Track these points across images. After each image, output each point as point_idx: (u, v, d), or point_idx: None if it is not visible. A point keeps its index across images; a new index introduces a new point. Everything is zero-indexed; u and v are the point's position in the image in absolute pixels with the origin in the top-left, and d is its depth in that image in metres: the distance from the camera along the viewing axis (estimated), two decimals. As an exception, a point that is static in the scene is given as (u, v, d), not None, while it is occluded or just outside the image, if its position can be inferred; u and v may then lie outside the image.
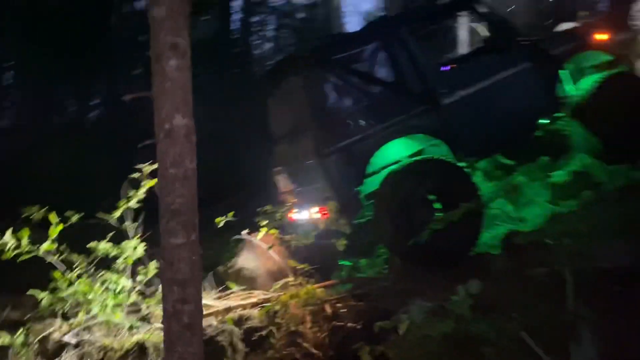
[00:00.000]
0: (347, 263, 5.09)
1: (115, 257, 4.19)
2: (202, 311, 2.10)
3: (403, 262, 4.58)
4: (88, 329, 3.97)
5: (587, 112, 5.09)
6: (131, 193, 4.00)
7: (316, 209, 4.87)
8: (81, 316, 3.99)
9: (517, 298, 3.04)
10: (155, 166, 3.91)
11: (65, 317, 4.10)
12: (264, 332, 3.65)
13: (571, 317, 2.65)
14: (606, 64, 5.54)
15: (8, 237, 3.47)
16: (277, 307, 3.90)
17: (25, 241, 3.56)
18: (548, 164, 5.57)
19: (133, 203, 4.00)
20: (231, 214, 4.56)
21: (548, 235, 3.94)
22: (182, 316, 1.84)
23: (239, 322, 3.89)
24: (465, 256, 4.32)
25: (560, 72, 5.35)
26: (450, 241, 4.20)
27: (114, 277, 4.08)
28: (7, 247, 3.50)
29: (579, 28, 6.17)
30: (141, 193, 4.01)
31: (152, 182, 3.96)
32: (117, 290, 4.07)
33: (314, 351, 3.43)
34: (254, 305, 4.08)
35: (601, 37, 5.68)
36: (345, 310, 3.69)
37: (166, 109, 1.77)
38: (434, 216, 4.41)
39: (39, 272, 4.83)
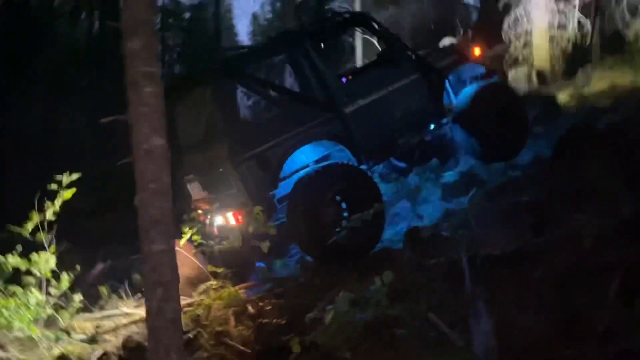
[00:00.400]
0: (262, 265, 5.30)
1: (28, 271, 4.10)
2: (181, 308, 2.28)
3: (315, 260, 4.90)
4: (2, 346, 3.85)
5: (467, 118, 5.70)
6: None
7: (230, 214, 5.04)
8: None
9: (422, 285, 3.46)
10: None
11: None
12: (191, 335, 3.77)
13: (469, 298, 3.10)
14: (482, 75, 6.33)
15: None
16: (200, 311, 4.05)
17: None
18: (438, 166, 6.22)
19: (49, 214, 3.93)
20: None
21: (444, 229, 4.49)
22: (166, 313, 2.00)
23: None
24: (370, 252, 4.70)
25: (445, 82, 5.95)
26: (357, 239, 4.56)
27: (27, 291, 3.99)
28: None
29: (458, 44, 6.92)
30: (57, 204, 3.94)
31: (69, 193, 3.93)
32: (32, 304, 3.98)
33: (242, 348, 3.64)
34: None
35: (477, 51, 6.45)
36: (269, 308, 3.94)
37: (144, 131, 1.92)
38: (342, 216, 4.78)
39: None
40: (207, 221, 5.32)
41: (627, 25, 11.68)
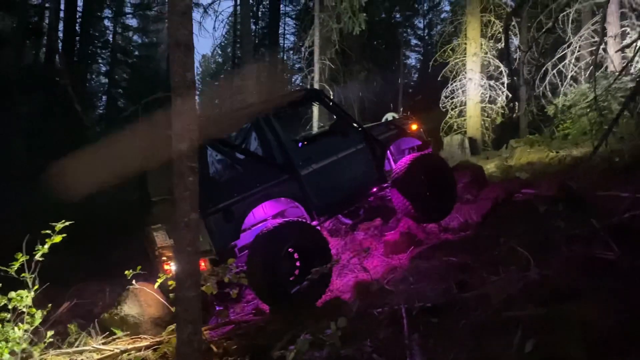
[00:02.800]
0: (221, 308, 5.78)
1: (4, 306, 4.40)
2: (202, 339, 2.77)
3: (270, 306, 5.45)
4: (-19, 379, 4.12)
5: (402, 184, 6.46)
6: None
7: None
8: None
9: (369, 330, 4.10)
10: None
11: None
12: (161, 370, 4.21)
13: (406, 341, 3.78)
14: (418, 147, 7.28)
15: None
16: (170, 349, 4.49)
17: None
18: (382, 225, 7.00)
19: (38, 256, 4.31)
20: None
21: (387, 282, 5.19)
22: (193, 344, 2.53)
23: (136, 363, 4.40)
24: (318, 300, 5.31)
25: (387, 152, 6.81)
26: (308, 289, 5.13)
27: (6, 326, 4.29)
28: None
29: (399, 119, 7.89)
30: (45, 249, 4.34)
31: (57, 238, 4.36)
32: (10, 338, 4.29)
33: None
34: (147, 347, 4.59)
35: (414, 126, 7.40)
36: (234, 347, 4.44)
37: (185, 208, 2.51)
38: (295, 267, 5.43)
39: None
40: (169, 267, 5.77)
41: (550, 102, 13.16)
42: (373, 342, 3.91)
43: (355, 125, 6.69)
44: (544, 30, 12.49)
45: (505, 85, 14.01)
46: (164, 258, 5.87)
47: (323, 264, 5.09)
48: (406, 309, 4.10)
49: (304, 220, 5.72)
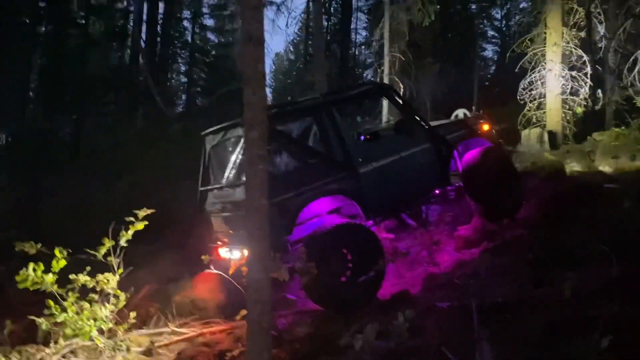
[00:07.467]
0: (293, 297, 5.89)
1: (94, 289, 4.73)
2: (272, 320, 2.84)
3: (320, 306, 5.29)
4: (73, 352, 4.47)
5: (472, 183, 6.34)
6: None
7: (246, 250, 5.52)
8: (63, 341, 4.48)
9: (437, 323, 4.05)
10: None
11: (46, 342, 4.57)
12: (235, 353, 4.37)
13: (475, 337, 3.70)
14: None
15: (30, 271, 3.98)
16: (243, 334, 4.66)
17: (39, 273, 4.08)
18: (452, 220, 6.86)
19: (123, 242, 4.61)
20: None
21: (456, 277, 5.10)
22: (262, 324, 2.66)
23: (210, 344, 4.61)
24: (369, 303, 5.12)
25: (454, 153, 6.58)
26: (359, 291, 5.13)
27: (94, 306, 4.61)
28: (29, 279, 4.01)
29: (470, 118, 7.61)
30: (129, 235, 4.64)
31: (140, 226, 4.64)
32: (98, 318, 4.61)
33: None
34: (221, 331, 4.80)
35: (486, 127, 7.13)
36: (302, 335, 4.54)
37: (255, 195, 2.63)
38: (347, 269, 5.28)
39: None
40: (221, 253, 5.82)
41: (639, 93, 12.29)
42: (441, 336, 3.87)
43: (421, 123, 6.48)
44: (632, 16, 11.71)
45: (589, 75, 13.24)
46: (219, 243, 5.95)
47: (375, 266, 5.06)
48: (476, 303, 4.01)
49: (359, 223, 5.58)
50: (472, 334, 3.73)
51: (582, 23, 13.73)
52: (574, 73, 13.37)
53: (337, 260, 5.25)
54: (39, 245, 4.33)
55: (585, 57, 13.36)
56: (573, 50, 13.46)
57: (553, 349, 3.26)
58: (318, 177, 5.63)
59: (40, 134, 17.91)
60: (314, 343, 4.34)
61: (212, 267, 5.53)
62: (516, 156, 9.57)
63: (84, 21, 21.50)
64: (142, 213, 4.57)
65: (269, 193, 5.34)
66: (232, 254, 5.62)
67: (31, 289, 4.15)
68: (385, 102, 12.40)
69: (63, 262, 4.26)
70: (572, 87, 13.43)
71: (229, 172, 5.83)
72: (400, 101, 6.72)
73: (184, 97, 33.05)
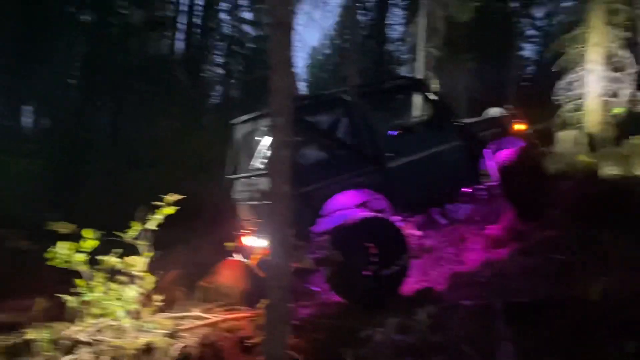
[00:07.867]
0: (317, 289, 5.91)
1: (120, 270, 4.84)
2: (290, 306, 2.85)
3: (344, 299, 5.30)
4: (99, 330, 4.59)
5: (503, 182, 6.21)
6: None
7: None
8: (91, 319, 4.60)
9: (460, 320, 4.01)
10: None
11: (72, 319, 4.70)
12: (256, 340, 4.41)
13: (499, 337, 3.66)
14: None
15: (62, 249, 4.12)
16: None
17: (71, 252, 4.21)
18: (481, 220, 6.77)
19: (151, 224, 4.70)
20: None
21: (482, 276, 5.03)
22: (280, 309, 2.69)
23: (232, 330, 4.67)
24: (393, 298, 5.04)
25: (485, 151, 6.42)
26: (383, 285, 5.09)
27: (122, 287, 4.72)
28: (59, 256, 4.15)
29: (503, 117, 7.41)
30: (159, 218, 4.73)
31: (170, 210, 4.73)
32: (125, 299, 4.72)
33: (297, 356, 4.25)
34: (244, 318, 4.85)
35: (519, 127, 6.94)
36: (323, 326, 4.55)
37: (278, 181, 2.64)
38: (370, 263, 5.19)
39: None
40: (246, 241, 5.86)
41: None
42: (463, 333, 3.83)
43: (453, 120, 6.37)
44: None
45: (632, 77, 12.80)
46: (243, 231, 5.99)
47: (399, 261, 5.03)
48: (501, 303, 3.96)
49: (385, 217, 5.51)
50: (495, 333, 3.69)
51: (626, 23, 13.26)
52: (616, 74, 12.95)
53: (361, 253, 5.21)
54: (74, 226, 4.46)
55: (629, 58, 12.92)
56: (617, 51, 13.03)
57: (576, 350, 3.20)
58: (346, 169, 5.60)
59: (79, 121, 18.41)
60: (334, 334, 4.34)
61: (235, 255, 5.60)
62: (551, 157, 9.32)
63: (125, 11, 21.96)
64: (171, 199, 4.65)
65: (295, 183, 5.54)
66: (258, 242, 5.66)
67: (61, 267, 4.27)
68: (417, 98, 12.28)
69: (92, 242, 4.36)
70: (613, 89, 13.01)
71: (257, 161, 5.87)
72: (433, 97, 6.63)
73: (219, 88, 33.39)
